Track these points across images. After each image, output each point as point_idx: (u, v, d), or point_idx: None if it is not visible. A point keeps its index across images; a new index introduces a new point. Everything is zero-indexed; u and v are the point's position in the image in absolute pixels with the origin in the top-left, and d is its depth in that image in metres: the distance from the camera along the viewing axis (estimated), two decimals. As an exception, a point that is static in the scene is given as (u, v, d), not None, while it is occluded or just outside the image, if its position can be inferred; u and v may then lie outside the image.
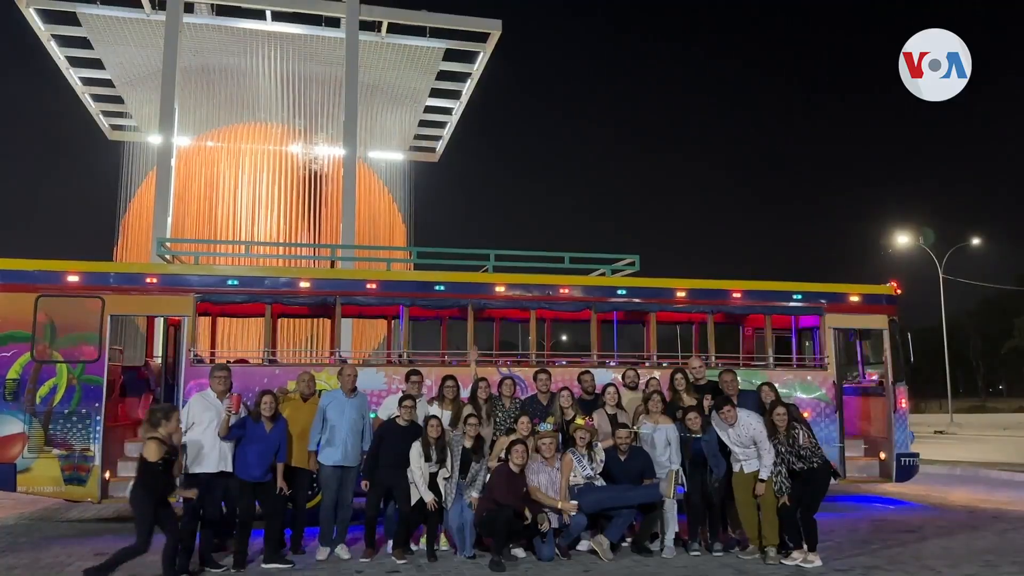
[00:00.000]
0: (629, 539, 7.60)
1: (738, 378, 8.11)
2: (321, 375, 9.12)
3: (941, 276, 36.14)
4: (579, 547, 7.40)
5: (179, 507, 6.50)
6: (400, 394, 7.80)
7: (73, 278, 8.86)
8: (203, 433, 6.68)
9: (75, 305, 8.78)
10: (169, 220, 21.68)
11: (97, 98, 26.29)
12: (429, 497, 7.13)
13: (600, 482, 7.44)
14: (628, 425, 7.66)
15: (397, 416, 7.44)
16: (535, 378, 8.43)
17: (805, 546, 6.94)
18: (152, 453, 5.91)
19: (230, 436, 6.72)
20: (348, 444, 7.34)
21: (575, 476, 7.38)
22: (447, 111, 27.66)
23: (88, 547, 7.63)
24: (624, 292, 10.33)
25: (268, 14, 22.70)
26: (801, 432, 6.99)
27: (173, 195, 22.18)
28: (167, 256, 10.69)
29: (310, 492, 8.02)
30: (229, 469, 6.72)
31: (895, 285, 10.91)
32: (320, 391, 7.97)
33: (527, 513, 7.00)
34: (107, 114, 27.20)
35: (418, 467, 7.15)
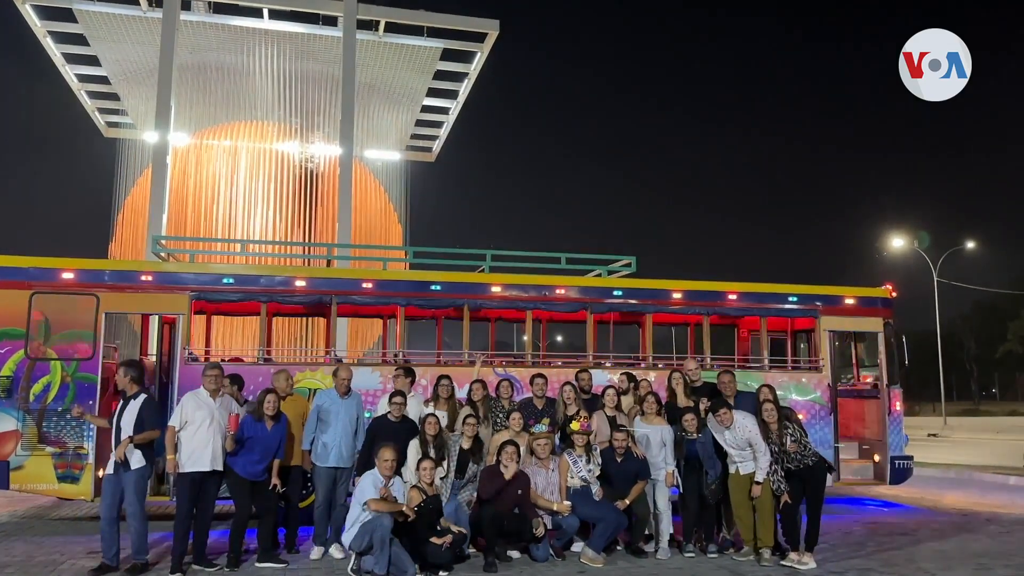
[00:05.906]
0: (624, 541, 7.59)
1: (736, 379, 8.11)
2: (316, 374, 9.13)
3: (936, 279, 36.25)
4: (573, 548, 7.38)
5: (172, 506, 6.46)
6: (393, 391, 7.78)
7: (68, 275, 8.83)
8: (196, 432, 6.61)
9: (70, 302, 8.74)
10: (164, 218, 21.62)
11: (93, 95, 26.18)
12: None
13: (595, 484, 7.43)
14: (626, 427, 7.65)
15: (388, 412, 7.43)
16: (531, 382, 8.36)
17: (802, 546, 6.94)
18: None
19: (237, 446, 6.71)
20: (342, 445, 7.33)
21: (571, 477, 7.37)
22: (444, 111, 27.61)
23: (81, 545, 7.59)
24: (620, 293, 10.32)
25: (265, 12, 22.62)
26: (788, 436, 6.98)
27: (168, 193, 22.10)
28: (162, 254, 10.65)
29: (304, 491, 8.00)
30: (221, 468, 6.69)
31: (891, 288, 10.92)
32: (313, 390, 7.92)
33: (521, 512, 6.98)
34: (103, 111, 27.07)
35: (414, 465, 7.11)
